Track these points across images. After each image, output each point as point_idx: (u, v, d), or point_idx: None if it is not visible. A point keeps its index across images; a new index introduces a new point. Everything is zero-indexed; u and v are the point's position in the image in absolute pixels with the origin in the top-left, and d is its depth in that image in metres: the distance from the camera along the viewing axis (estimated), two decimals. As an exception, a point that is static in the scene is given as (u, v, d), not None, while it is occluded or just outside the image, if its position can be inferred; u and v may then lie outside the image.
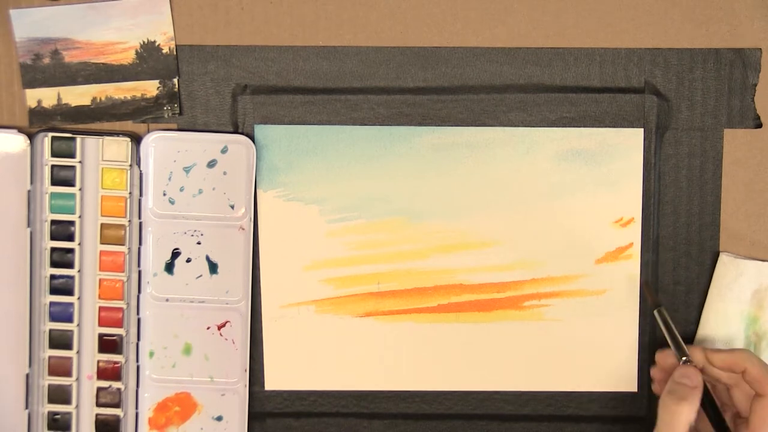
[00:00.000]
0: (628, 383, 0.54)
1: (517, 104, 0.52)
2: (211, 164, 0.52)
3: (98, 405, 0.53)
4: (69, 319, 0.52)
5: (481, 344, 0.54)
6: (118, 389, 0.53)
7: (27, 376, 0.52)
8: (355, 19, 0.51)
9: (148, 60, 0.51)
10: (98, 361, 0.53)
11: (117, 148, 0.51)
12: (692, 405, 0.43)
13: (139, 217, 0.52)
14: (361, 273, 0.53)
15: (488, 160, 0.52)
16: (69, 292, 0.52)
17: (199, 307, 0.52)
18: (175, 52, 0.51)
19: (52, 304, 0.52)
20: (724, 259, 0.52)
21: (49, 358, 0.52)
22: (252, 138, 0.52)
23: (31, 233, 0.52)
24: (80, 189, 0.52)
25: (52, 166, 0.51)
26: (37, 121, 0.52)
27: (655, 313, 0.49)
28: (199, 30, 0.51)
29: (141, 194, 0.52)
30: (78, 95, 0.51)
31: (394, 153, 0.52)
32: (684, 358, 0.47)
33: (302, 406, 0.54)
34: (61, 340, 0.52)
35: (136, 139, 0.52)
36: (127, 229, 0.52)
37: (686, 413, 0.42)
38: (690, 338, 0.53)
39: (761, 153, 0.52)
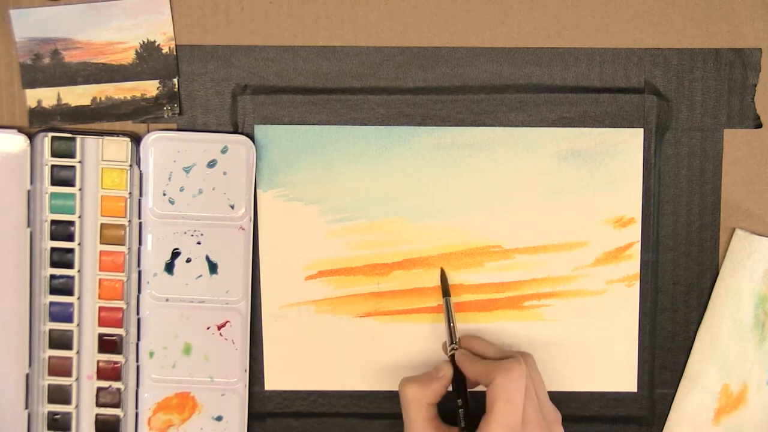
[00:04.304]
0: (628, 383, 0.54)
1: (517, 104, 0.52)
2: (211, 164, 0.52)
3: (98, 405, 0.53)
4: (69, 319, 0.52)
5: (481, 344, 0.54)
6: (118, 389, 0.53)
7: (27, 376, 0.52)
8: (355, 19, 0.51)
9: (148, 60, 0.51)
10: (98, 361, 0.53)
11: (117, 148, 0.51)
12: (425, 388, 0.48)
13: (139, 217, 0.52)
14: (361, 273, 0.53)
15: (488, 160, 0.52)
16: (69, 292, 0.52)
17: (199, 307, 0.52)
18: (175, 52, 0.51)
19: (52, 304, 0.52)
20: (739, 234, 0.52)
21: (49, 358, 0.52)
22: (252, 138, 0.52)
23: (31, 233, 0.52)
24: (80, 189, 0.52)
25: (52, 166, 0.51)
26: (37, 121, 0.52)
27: (443, 300, 0.52)
28: (199, 30, 0.51)
29: (141, 194, 0.52)
30: (78, 95, 0.51)
31: (394, 153, 0.52)
32: (451, 348, 0.50)
33: (302, 406, 0.54)
34: (61, 340, 0.52)
35: (136, 139, 0.52)
36: (127, 229, 0.52)
37: (413, 393, 0.48)
38: (691, 338, 0.53)
39: (761, 153, 0.52)
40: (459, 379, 0.49)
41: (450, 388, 0.49)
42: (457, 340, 0.51)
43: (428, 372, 0.49)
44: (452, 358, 0.50)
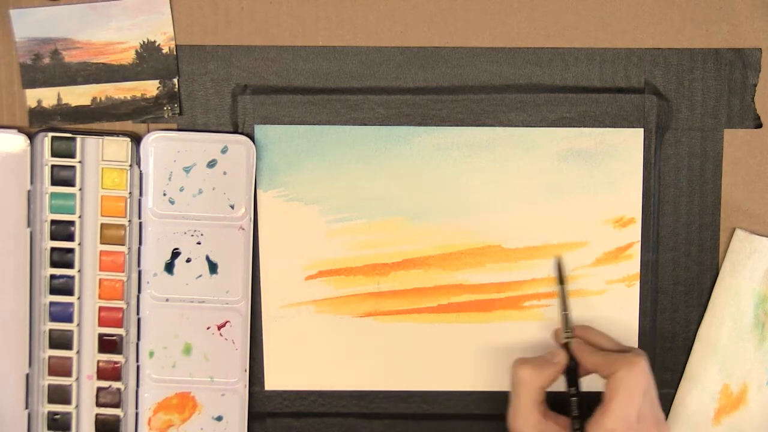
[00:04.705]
0: (628, 383, 0.54)
1: (517, 104, 0.52)
2: (211, 164, 0.52)
3: (98, 405, 0.53)
4: (69, 319, 0.52)
5: (481, 344, 0.54)
6: (118, 389, 0.53)
7: (27, 376, 0.52)
8: (355, 19, 0.51)
9: (148, 60, 0.51)
10: (98, 361, 0.53)
11: (117, 148, 0.51)
12: (539, 372, 0.48)
13: (139, 217, 0.52)
14: (361, 273, 0.53)
15: (488, 160, 0.52)
16: (69, 292, 0.52)
17: (199, 307, 0.52)
18: (175, 52, 0.51)
19: (52, 304, 0.52)
20: (739, 234, 0.52)
21: (49, 358, 0.52)
22: (252, 138, 0.52)
23: (31, 233, 0.52)
24: (80, 189, 0.52)
25: (52, 166, 0.51)
26: (37, 121, 0.52)
27: (559, 288, 0.52)
28: (199, 30, 0.51)
29: (141, 194, 0.52)
30: (78, 95, 0.52)
31: (394, 153, 0.52)
32: (566, 336, 0.50)
33: (302, 406, 0.54)
34: (61, 340, 0.52)
35: (136, 139, 0.52)
36: (127, 229, 0.52)
37: (527, 375, 0.47)
38: (691, 338, 0.53)
39: (761, 153, 0.52)
40: (573, 367, 0.49)
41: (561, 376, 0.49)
42: (572, 328, 0.50)
43: (543, 356, 0.49)
44: (565, 346, 0.50)
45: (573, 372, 0.49)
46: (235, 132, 0.52)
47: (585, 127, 0.52)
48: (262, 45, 0.52)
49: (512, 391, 0.48)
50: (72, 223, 0.52)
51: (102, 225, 0.52)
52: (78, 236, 0.52)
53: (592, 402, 0.47)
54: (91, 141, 0.52)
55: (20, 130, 0.51)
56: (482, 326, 0.53)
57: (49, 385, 0.53)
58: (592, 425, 0.46)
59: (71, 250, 0.52)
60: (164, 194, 0.52)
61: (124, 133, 0.52)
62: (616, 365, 0.46)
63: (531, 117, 0.52)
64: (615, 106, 0.52)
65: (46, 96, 0.51)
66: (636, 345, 0.53)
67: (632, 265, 0.53)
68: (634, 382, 0.45)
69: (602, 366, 0.47)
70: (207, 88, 0.52)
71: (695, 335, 0.53)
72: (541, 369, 0.48)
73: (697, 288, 0.53)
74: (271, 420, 0.54)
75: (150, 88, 0.52)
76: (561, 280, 0.52)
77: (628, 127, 0.52)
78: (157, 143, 0.51)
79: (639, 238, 0.53)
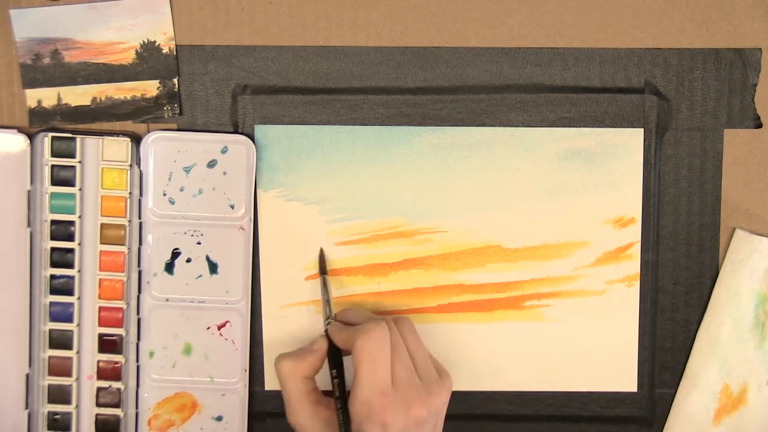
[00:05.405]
0: (628, 383, 0.54)
1: (517, 104, 0.52)
2: (211, 164, 0.52)
3: (98, 405, 0.53)
4: (69, 319, 0.52)
5: (481, 344, 0.54)
6: (118, 389, 0.53)
7: (27, 376, 0.52)
8: (355, 19, 0.51)
9: (148, 60, 0.51)
10: (98, 361, 0.53)
11: (117, 148, 0.51)
12: (299, 362, 0.47)
13: (139, 217, 0.52)
14: (361, 273, 0.53)
15: (488, 160, 0.52)
16: (69, 292, 0.52)
17: (199, 307, 0.52)
18: (175, 52, 0.51)
19: (52, 304, 0.52)
20: (739, 234, 0.52)
21: (49, 358, 0.52)
22: (252, 138, 0.52)
23: (31, 233, 0.52)
24: (80, 189, 0.52)
25: (52, 166, 0.51)
26: (37, 121, 0.52)
27: (320, 278, 0.52)
28: (199, 30, 0.51)
29: (141, 194, 0.52)
30: (78, 95, 0.51)
31: (394, 153, 0.52)
32: (326, 323, 0.50)
33: (302, 406, 0.54)
34: (61, 340, 0.52)
35: (136, 139, 0.52)
36: (127, 229, 0.52)
37: (287, 368, 0.47)
38: (691, 338, 0.53)
39: (761, 153, 0.52)
40: (334, 351, 0.48)
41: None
42: (333, 315, 0.50)
43: (303, 347, 0.49)
44: (327, 332, 0.49)
45: (334, 355, 0.48)
46: (235, 132, 0.52)
47: (585, 127, 0.52)
48: (262, 45, 0.52)
49: (281, 387, 0.48)
50: (72, 223, 0.52)
51: (102, 225, 0.52)
52: (78, 236, 0.52)
53: None
54: (91, 141, 0.52)
55: (20, 130, 0.51)
56: (482, 326, 0.53)
57: (49, 385, 0.53)
58: (350, 400, 0.45)
59: (71, 250, 0.52)
60: (164, 194, 0.52)
61: (124, 133, 0.52)
62: (355, 336, 0.45)
63: (531, 117, 0.52)
64: (615, 106, 0.52)
65: (46, 96, 0.51)
66: (636, 345, 0.53)
67: (632, 265, 0.53)
68: (373, 348, 0.45)
69: (347, 341, 0.46)
70: (207, 88, 0.52)
71: (695, 335, 0.53)
72: (301, 359, 0.47)
73: (697, 288, 0.53)
74: (271, 420, 0.54)
75: (150, 88, 0.52)
76: (322, 270, 0.52)
77: (628, 127, 0.52)
78: (157, 143, 0.51)
79: (639, 238, 0.53)
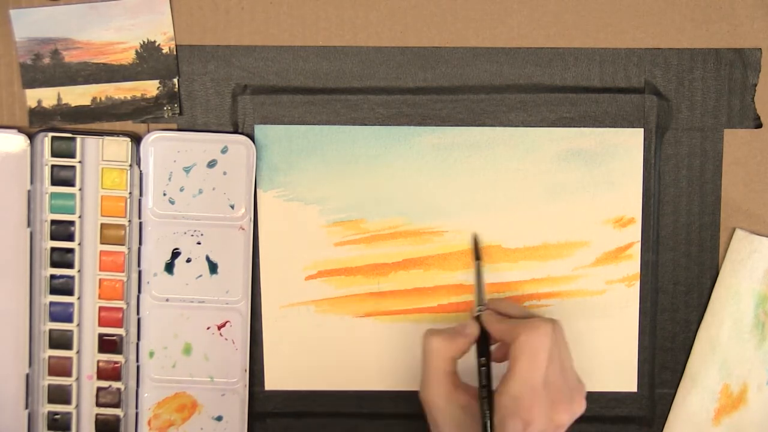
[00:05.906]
0: (628, 383, 0.54)
1: (517, 104, 0.52)
2: (211, 164, 0.52)
3: (98, 405, 0.53)
4: (69, 319, 0.52)
5: (481, 344, 0.54)
6: (118, 389, 0.53)
7: (27, 376, 0.52)
8: (355, 19, 0.51)
9: (148, 60, 0.51)
10: (98, 361, 0.53)
11: (117, 148, 0.51)
12: (449, 342, 0.47)
13: (139, 217, 0.52)
14: (361, 273, 0.53)
15: (488, 160, 0.52)
16: (69, 292, 0.52)
17: (199, 307, 0.52)
18: (175, 52, 0.51)
19: (52, 304, 0.52)
20: (739, 234, 0.52)
21: (49, 358, 0.52)
22: (252, 138, 0.52)
23: (31, 233, 0.52)
24: (80, 189, 0.52)
25: (52, 166, 0.51)
26: (37, 121, 0.52)
27: (475, 263, 0.52)
28: (199, 30, 0.51)
29: (141, 194, 0.52)
30: (78, 95, 0.52)
31: (394, 153, 0.52)
32: (478, 309, 0.49)
33: (302, 406, 0.54)
34: (61, 340, 0.52)
35: (136, 139, 0.52)
36: (127, 229, 0.52)
37: (437, 345, 0.47)
38: (691, 338, 0.53)
39: (761, 153, 0.52)
40: (484, 338, 0.48)
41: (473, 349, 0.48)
42: (485, 302, 0.50)
43: (454, 327, 0.48)
44: (478, 318, 0.49)
45: (483, 342, 0.48)
46: (235, 132, 0.52)
47: (585, 127, 0.52)
48: (262, 45, 0.52)
49: (423, 362, 0.47)
50: (72, 223, 0.52)
51: (102, 225, 0.52)
52: (78, 236, 0.52)
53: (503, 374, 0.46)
54: (91, 141, 0.52)
55: (20, 130, 0.51)
56: (482, 326, 0.53)
57: (49, 385, 0.53)
58: (498, 392, 0.45)
59: (71, 250, 0.52)
60: (164, 194, 0.52)
61: (124, 133, 0.52)
62: (518, 330, 0.45)
63: (531, 117, 0.52)
64: (615, 106, 0.52)
65: (46, 96, 0.51)
66: (636, 345, 0.53)
67: (632, 265, 0.53)
68: (536, 346, 0.44)
69: (507, 333, 0.46)
70: (207, 88, 0.52)
71: (695, 335, 0.53)
72: (452, 339, 0.47)
73: (697, 288, 0.53)
74: (272, 420, 0.54)
75: (150, 88, 0.52)
76: (477, 255, 0.52)
77: (628, 127, 0.52)
78: (157, 143, 0.51)
79: (639, 238, 0.53)
